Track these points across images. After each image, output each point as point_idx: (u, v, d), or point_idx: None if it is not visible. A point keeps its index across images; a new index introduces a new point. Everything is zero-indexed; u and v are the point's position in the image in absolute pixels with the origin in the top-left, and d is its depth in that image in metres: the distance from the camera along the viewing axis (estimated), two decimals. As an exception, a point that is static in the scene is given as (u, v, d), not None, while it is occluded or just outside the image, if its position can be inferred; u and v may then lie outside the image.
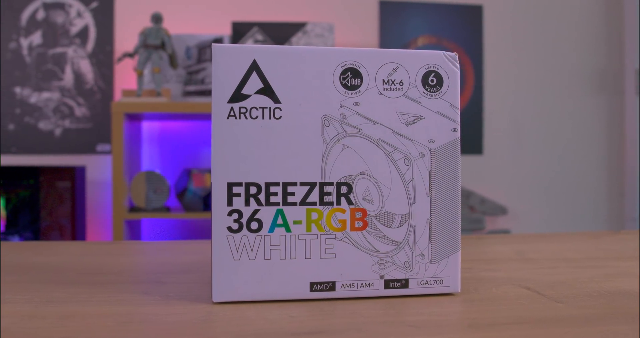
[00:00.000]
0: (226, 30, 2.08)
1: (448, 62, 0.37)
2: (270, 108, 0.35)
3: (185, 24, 2.10)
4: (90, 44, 2.12)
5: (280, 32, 2.03)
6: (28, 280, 0.42)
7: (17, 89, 2.07)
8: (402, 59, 0.37)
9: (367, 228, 0.36)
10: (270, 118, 0.35)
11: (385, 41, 2.29)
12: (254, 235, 0.35)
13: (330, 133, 0.36)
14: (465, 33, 2.34)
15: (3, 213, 1.82)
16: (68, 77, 2.11)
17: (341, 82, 0.36)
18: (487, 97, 2.32)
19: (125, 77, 2.11)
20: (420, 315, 0.32)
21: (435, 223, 0.37)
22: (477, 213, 2.18)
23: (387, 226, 0.36)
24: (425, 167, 0.37)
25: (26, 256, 0.53)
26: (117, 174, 1.73)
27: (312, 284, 0.36)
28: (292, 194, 0.35)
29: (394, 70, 0.36)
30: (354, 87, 0.36)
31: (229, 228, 0.35)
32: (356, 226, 0.36)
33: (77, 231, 1.86)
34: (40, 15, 2.09)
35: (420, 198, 0.37)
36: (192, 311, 0.33)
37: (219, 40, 2.03)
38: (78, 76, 2.11)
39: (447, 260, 0.37)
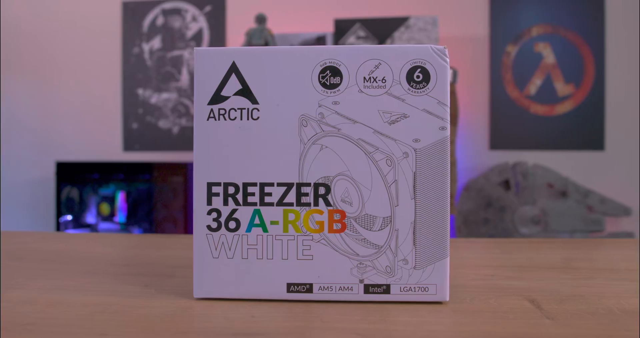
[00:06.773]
0: (329, 28, 2.10)
1: (436, 57, 0.35)
2: (248, 109, 0.36)
3: (290, 24, 2.16)
4: (204, 46, 2.24)
5: (382, 28, 2.01)
6: (59, 269, 0.46)
7: (140, 91, 2.25)
8: (385, 55, 0.35)
9: (346, 231, 0.35)
10: (248, 119, 0.35)
11: (496, 32, 2.18)
12: (232, 234, 0.36)
13: (308, 133, 0.35)
14: (585, 21, 2.17)
15: (122, 205, 1.99)
16: (184, 78, 2.25)
17: (320, 81, 0.35)
18: (610, 89, 2.14)
19: (234, 77, 2.21)
20: (381, 323, 0.31)
21: (420, 227, 0.35)
22: (595, 214, 2.02)
23: (367, 229, 0.35)
24: (409, 168, 0.35)
25: (85, 247, 0.58)
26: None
27: (289, 285, 0.36)
28: (269, 194, 0.35)
29: (376, 67, 0.35)
30: (333, 86, 0.35)
31: (209, 227, 0.36)
32: (334, 228, 0.35)
33: (188, 224, 1.98)
34: (160, 21, 2.24)
35: (403, 200, 0.35)
36: (168, 305, 0.34)
37: (321, 38, 2.06)
38: (193, 77, 2.24)
39: (433, 267, 0.35)
